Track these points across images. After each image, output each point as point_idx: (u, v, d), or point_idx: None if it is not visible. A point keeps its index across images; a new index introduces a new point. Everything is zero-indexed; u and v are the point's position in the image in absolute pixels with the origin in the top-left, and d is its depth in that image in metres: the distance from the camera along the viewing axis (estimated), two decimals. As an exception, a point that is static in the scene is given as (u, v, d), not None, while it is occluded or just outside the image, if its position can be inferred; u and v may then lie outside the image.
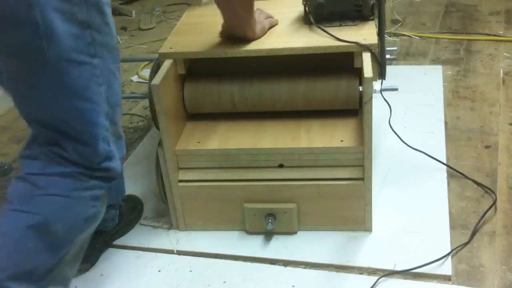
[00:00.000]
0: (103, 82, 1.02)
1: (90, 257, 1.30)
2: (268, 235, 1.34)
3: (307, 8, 1.32)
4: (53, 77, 0.96)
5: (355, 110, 1.35)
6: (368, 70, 1.15)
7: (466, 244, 1.27)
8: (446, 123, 1.73)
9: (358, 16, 1.31)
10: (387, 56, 1.34)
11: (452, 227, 1.32)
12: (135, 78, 2.30)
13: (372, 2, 1.30)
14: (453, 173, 1.50)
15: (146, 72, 2.26)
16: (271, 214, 1.30)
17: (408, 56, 2.23)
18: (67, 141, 1.03)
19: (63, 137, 1.02)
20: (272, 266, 1.27)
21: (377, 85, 1.33)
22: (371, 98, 1.14)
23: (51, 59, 0.94)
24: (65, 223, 1.03)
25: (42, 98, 0.99)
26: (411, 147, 1.54)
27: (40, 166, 1.04)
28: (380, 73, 1.31)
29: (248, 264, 1.29)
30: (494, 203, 1.37)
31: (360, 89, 1.28)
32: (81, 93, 0.99)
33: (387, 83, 1.34)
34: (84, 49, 0.98)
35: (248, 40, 1.26)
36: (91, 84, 1.00)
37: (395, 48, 1.45)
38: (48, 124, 1.02)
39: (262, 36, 1.29)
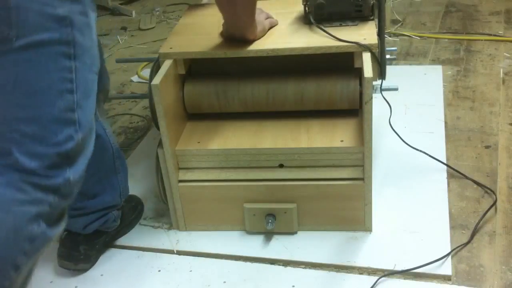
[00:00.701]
0: (77, 90, 0.90)
1: (90, 257, 1.30)
2: (268, 235, 1.34)
3: (307, 8, 1.32)
4: (17, 69, 0.85)
5: (355, 110, 1.35)
6: (368, 70, 1.14)
7: (466, 244, 1.27)
8: (446, 123, 1.73)
9: (358, 16, 1.31)
10: (387, 56, 1.34)
11: (452, 227, 1.32)
12: (135, 78, 2.30)
13: (372, 2, 1.30)
14: (453, 173, 1.50)
15: (146, 72, 2.26)
16: (271, 214, 1.30)
17: (408, 56, 2.23)
18: (15, 145, 0.87)
19: (11, 139, 0.87)
20: (272, 266, 1.27)
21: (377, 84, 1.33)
22: (371, 98, 1.14)
23: (18, 48, 0.83)
24: (3, 246, 0.84)
25: None
26: (411, 146, 1.54)
27: None
28: (380, 73, 1.31)
29: (248, 264, 1.29)
30: (494, 203, 1.37)
31: (360, 89, 1.29)
32: (43, 93, 0.87)
33: (387, 83, 1.34)
34: (60, 47, 0.87)
35: (248, 41, 1.26)
36: (58, 87, 0.88)
37: (395, 48, 1.46)
38: None
39: (262, 36, 1.29)
